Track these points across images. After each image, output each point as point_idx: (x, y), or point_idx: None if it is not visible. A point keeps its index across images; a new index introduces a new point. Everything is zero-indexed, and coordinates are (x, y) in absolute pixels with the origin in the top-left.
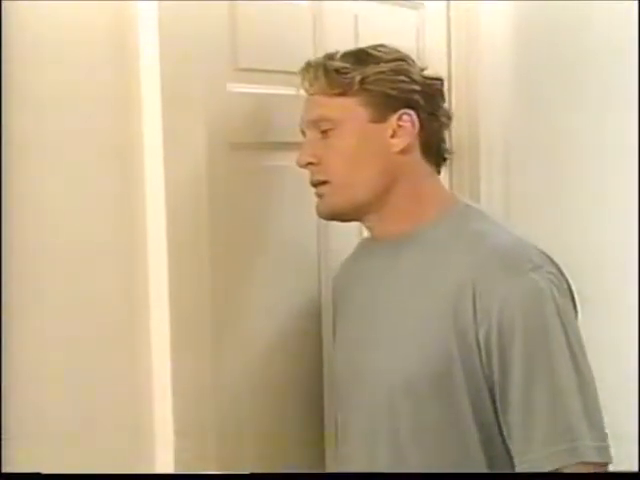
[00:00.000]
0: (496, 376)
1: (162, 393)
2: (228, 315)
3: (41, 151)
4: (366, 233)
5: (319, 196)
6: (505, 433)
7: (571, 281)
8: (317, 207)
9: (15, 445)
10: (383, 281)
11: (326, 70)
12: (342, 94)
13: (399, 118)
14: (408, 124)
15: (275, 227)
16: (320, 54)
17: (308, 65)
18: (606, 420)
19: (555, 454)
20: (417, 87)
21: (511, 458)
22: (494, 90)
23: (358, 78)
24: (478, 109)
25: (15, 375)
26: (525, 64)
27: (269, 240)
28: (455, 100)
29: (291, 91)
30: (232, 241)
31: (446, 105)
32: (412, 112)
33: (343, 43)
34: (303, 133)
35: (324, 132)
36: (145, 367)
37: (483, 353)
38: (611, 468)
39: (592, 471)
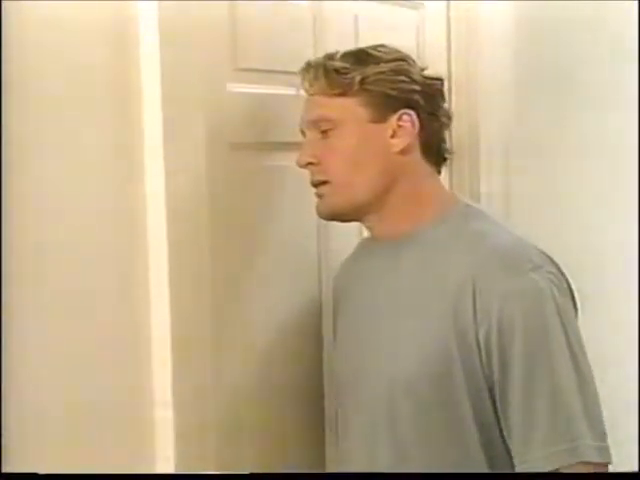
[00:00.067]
0: (496, 376)
1: (162, 393)
2: (228, 315)
3: (41, 151)
4: (366, 233)
5: (319, 196)
6: (505, 433)
7: (571, 281)
8: (317, 207)
9: (15, 445)
10: (383, 281)
11: (326, 70)
12: (342, 94)
13: (399, 118)
14: (408, 124)
15: (275, 227)
16: (320, 54)
17: (308, 65)
18: (606, 420)
19: (555, 454)
20: (417, 87)
21: (511, 458)
22: (494, 90)
23: (358, 78)
24: (478, 109)
25: (15, 375)
26: (525, 64)
27: (269, 240)
28: (455, 100)
29: (291, 91)
30: (232, 241)
31: (446, 105)
32: (412, 112)
33: (343, 43)
34: (303, 133)
35: (324, 132)
36: (145, 367)
37: (483, 353)
38: (611, 468)
39: (592, 471)
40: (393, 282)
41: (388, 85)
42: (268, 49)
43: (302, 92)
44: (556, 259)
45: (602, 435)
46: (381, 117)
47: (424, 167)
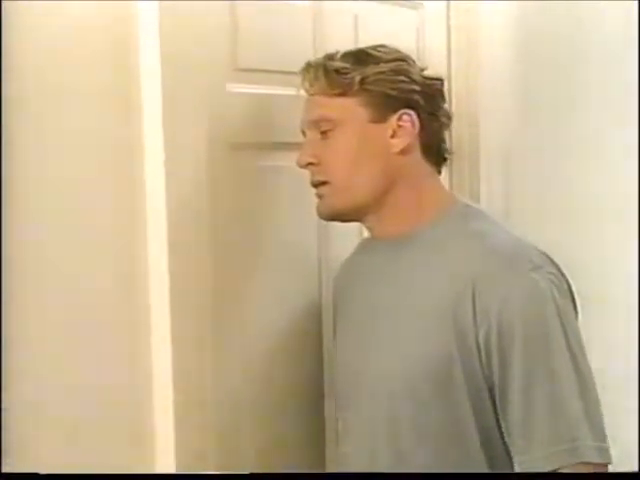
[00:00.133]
0: (496, 377)
1: (163, 393)
2: (229, 315)
3: (41, 151)
4: (366, 233)
5: (319, 197)
6: (505, 433)
7: (571, 281)
8: (317, 208)
9: (15, 445)
10: (383, 281)
11: (326, 70)
12: (342, 94)
13: (399, 118)
14: (408, 124)
15: (275, 227)
16: (320, 54)
17: (308, 65)
18: (606, 420)
19: (555, 454)
20: (417, 87)
21: (511, 458)
22: (494, 90)
23: (358, 78)
24: (478, 109)
25: (15, 375)
26: (525, 64)
27: (270, 240)
28: (455, 100)
29: (291, 91)
30: (233, 241)
31: (446, 105)
32: (412, 112)
33: (343, 43)
34: (303, 134)
35: (324, 132)
36: (146, 367)
37: (483, 354)
38: (611, 468)
39: (592, 471)
40: (393, 282)
41: (388, 85)
42: (268, 49)
43: (302, 92)
44: (556, 259)
45: (602, 435)
46: (381, 117)
47: (424, 167)
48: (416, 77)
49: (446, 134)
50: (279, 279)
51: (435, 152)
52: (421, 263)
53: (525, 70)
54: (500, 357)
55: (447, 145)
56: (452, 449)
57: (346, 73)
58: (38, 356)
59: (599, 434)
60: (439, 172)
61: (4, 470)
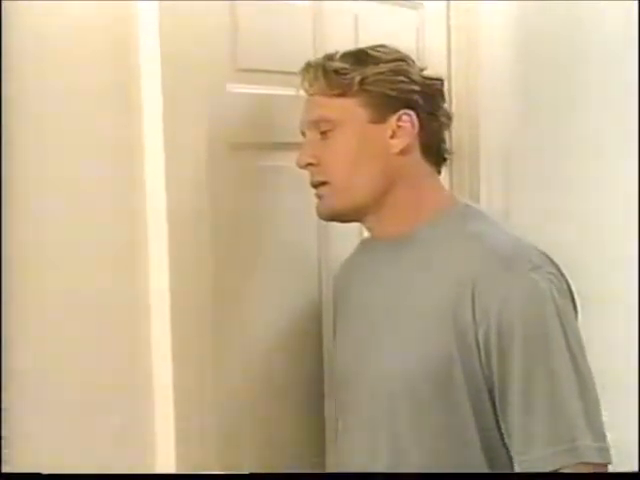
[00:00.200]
0: (495, 377)
1: (163, 393)
2: (229, 315)
3: (41, 151)
4: (366, 233)
5: (319, 197)
6: (505, 433)
7: (571, 281)
8: (317, 208)
9: (15, 445)
10: (383, 281)
11: (325, 71)
12: (341, 95)
13: (399, 119)
14: (408, 124)
15: (275, 227)
16: (320, 54)
17: (308, 66)
18: (606, 420)
19: (555, 454)
20: (416, 87)
21: (511, 459)
22: (494, 90)
23: (357, 79)
24: (478, 109)
25: (15, 375)
26: (525, 64)
27: (270, 240)
28: (455, 100)
29: (291, 91)
30: (233, 241)
31: (446, 105)
32: (412, 112)
33: (343, 43)
34: (303, 134)
35: (324, 133)
36: (146, 367)
37: (482, 353)
38: (611, 468)
39: (592, 472)
40: (393, 282)
41: (387, 85)
42: (268, 49)
43: (302, 92)
44: (556, 259)
45: (602, 435)
46: (381, 117)
47: (424, 167)
48: (416, 77)
49: (446, 134)
50: (279, 279)
51: (435, 152)
52: (421, 263)
53: (525, 70)
54: (500, 357)
55: (447, 145)
56: (452, 449)
57: (345, 73)
58: (38, 356)
59: (599, 434)
60: (439, 172)
61: (4, 470)
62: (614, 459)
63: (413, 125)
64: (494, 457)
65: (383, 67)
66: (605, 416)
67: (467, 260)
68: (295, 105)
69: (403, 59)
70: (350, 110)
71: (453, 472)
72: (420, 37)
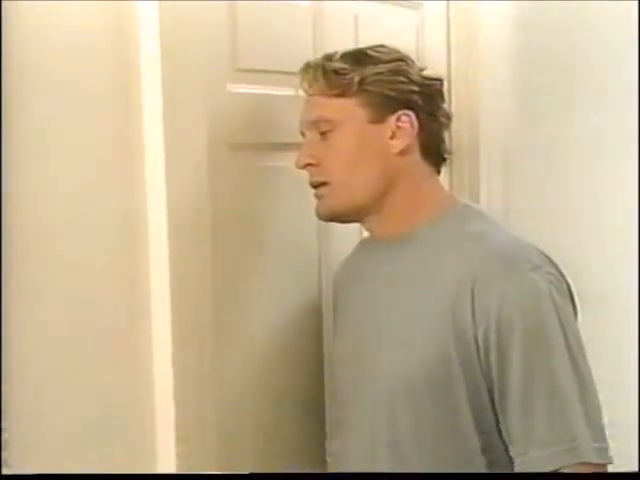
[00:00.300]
0: (495, 376)
1: (163, 393)
2: (229, 315)
3: (41, 151)
4: (366, 233)
5: (318, 197)
6: (504, 433)
7: (571, 281)
8: (316, 209)
9: (15, 445)
10: (382, 281)
11: (325, 71)
12: (341, 95)
13: (398, 119)
14: (407, 125)
15: (276, 227)
16: (320, 54)
17: (307, 66)
18: (606, 420)
19: (555, 454)
20: (416, 88)
21: (511, 459)
22: (494, 90)
23: (357, 79)
24: (478, 109)
25: (15, 375)
26: (525, 64)
27: (270, 240)
28: (455, 100)
29: (291, 92)
30: (233, 241)
31: (446, 105)
32: (411, 113)
33: (343, 43)
34: (303, 135)
35: (323, 133)
36: (146, 368)
37: (482, 353)
38: (611, 468)
39: (592, 472)
40: (392, 282)
41: (386, 86)
42: (268, 49)
43: (301, 92)
44: (556, 259)
45: (602, 435)
46: (380, 118)
47: (423, 168)
48: (415, 77)
49: (446, 134)
50: (279, 279)
51: (434, 152)
52: (420, 263)
53: (525, 70)
54: (499, 356)
55: (447, 145)
56: (451, 449)
57: (345, 74)
58: (38, 357)
59: (599, 434)
60: (438, 172)
61: (4, 472)
62: (614, 459)
63: (412, 125)
64: (493, 457)
65: (382, 67)
66: (605, 416)
67: (467, 260)
68: (295, 105)
69: (403, 59)
70: (349, 110)
71: (453, 472)
72: (420, 37)
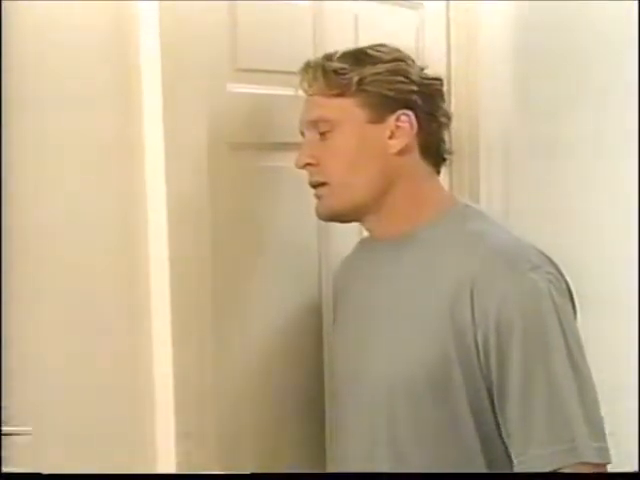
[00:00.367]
0: (494, 376)
1: (163, 393)
2: (229, 315)
3: (41, 151)
4: (366, 233)
5: (318, 197)
6: (504, 433)
7: (570, 281)
8: (316, 209)
9: (15, 445)
10: (382, 281)
11: (324, 71)
12: (340, 95)
13: (397, 119)
14: (406, 125)
15: (275, 227)
16: (320, 54)
17: (307, 66)
18: (606, 420)
19: (555, 454)
20: (415, 87)
21: (511, 459)
22: (494, 90)
23: (356, 79)
24: (478, 109)
25: (15, 374)
26: (525, 64)
27: (270, 240)
28: (455, 100)
29: (291, 91)
30: (233, 241)
31: (445, 105)
32: (410, 113)
33: (343, 43)
34: (302, 134)
35: (323, 133)
36: (146, 367)
37: (481, 353)
38: (611, 468)
39: (591, 471)
40: (392, 282)
41: (385, 86)
42: (268, 49)
43: (301, 92)
44: (556, 259)
45: (601, 435)
46: (379, 118)
47: (423, 168)
48: (414, 77)
49: (445, 134)
50: (279, 279)
51: (434, 152)
52: (420, 263)
53: (525, 70)
54: (498, 356)
55: (446, 145)
56: (451, 449)
57: (344, 74)
58: (38, 357)
59: (598, 434)
60: (438, 172)
61: (4, 470)
62: (614, 459)
63: (412, 125)
64: (493, 457)
65: (381, 67)
66: (605, 416)
67: (466, 260)
68: (295, 105)
69: (402, 59)
70: (349, 110)
71: (453, 472)
72: (420, 37)
